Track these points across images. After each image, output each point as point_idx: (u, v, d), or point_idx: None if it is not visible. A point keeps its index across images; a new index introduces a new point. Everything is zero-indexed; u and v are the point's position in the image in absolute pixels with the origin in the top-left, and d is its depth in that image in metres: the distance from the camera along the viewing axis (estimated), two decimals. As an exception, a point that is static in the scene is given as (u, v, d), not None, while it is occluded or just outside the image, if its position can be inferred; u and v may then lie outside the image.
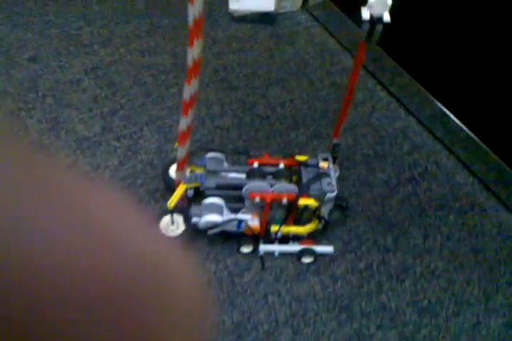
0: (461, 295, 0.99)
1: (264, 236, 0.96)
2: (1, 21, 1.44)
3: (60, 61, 1.35)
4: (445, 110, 1.29)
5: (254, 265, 0.97)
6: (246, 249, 0.97)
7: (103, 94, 1.29)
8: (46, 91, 1.26)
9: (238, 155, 1.07)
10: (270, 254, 0.98)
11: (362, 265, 1.01)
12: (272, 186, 0.90)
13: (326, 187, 0.91)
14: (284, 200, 0.89)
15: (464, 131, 1.24)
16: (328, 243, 1.04)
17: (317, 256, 0.97)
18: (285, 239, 0.97)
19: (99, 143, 1.15)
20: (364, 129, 1.33)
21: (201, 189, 0.93)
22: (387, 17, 0.75)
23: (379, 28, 0.76)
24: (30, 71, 1.31)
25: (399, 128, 1.34)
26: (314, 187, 0.91)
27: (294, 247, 0.97)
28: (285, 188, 0.90)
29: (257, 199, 0.89)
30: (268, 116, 1.32)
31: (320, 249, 0.98)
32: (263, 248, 0.96)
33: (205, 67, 1.43)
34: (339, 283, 0.97)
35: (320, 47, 1.58)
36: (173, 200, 0.91)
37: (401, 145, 1.30)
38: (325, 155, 0.97)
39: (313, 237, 0.99)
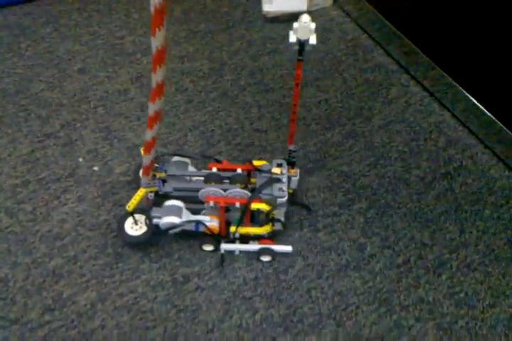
0: (497, 287, 1.03)
1: (225, 236, 1.03)
2: (51, 35, 1.55)
3: (107, 71, 1.45)
4: (478, 104, 1.31)
5: (298, 262, 1.05)
6: (208, 248, 1.04)
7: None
8: (97, 101, 1.36)
9: (209, 160, 1.12)
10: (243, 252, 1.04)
11: (400, 260, 1.07)
12: (225, 191, 0.98)
13: (276, 192, 0.97)
14: (237, 204, 0.97)
15: (498, 124, 1.26)
16: (367, 239, 1.10)
17: (275, 254, 1.03)
18: (246, 239, 1.04)
19: (149, 150, 1.24)
20: (399, 126, 1.36)
21: (160, 193, 1.02)
22: (313, 40, 0.82)
23: (308, 48, 0.83)
24: (81, 82, 1.41)
25: (433, 123, 1.37)
26: (265, 192, 0.98)
27: (253, 246, 1.03)
28: (238, 193, 0.98)
29: (212, 203, 0.97)
30: (304, 116, 1.38)
31: (278, 248, 1.03)
32: (224, 247, 1.03)
33: (241, 70, 1.49)
34: (378, 278, 1.04)
35: (353, 43, 1.61)
36: (132, 203, 1.00)
37: (436, 140, 1.33)
38: (279, 161, 1.03)
39: (274, 237, 1.05)
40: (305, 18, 0.80)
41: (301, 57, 0.85)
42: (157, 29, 0.72)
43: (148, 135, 0.90)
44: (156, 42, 0.74)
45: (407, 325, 0.97)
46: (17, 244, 1.04)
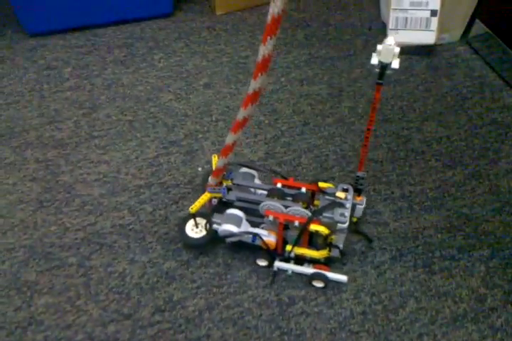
0: None
1: (280, 254, 1.01)
2: (181, 49, 1.64)
3: (230, 88, 1.50)
4: None
5: (410, 303, 0.99)
6: (261, 263, 1.03)
7: (266, 121, 1.40)
8: (218, 115, 1.41)
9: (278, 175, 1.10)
10: (301, 275, 1.02)
11: (525, 319, 0.97)
12: (286, 207, 0.95)
13: (337, 217, 0.92)
14: (296, 223, 0.93)
15: None
16: (488, 290, 1.01)
17: (328, 282, 1.00)
18: (301, 261, 1.02)
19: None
20: (527, 171, 1.26)
21: (223, 200, 1.02)
22: (395, 64, 0.78)
23: (389, 72, 0.79)
24: (205, 96, 1.47)
25: None
26: (326, 215, 0.94)
27: (307, 269, 1.01)
28: (298, 211, 0.94)
29: (271, 217, 0.95)
30: (423, 151, 1.32)
31: (333, 275, 0.99)
32: (277, 264, 1.01)
33: (359, 98, 1.48)
34: (499, 334, 0.94)
35: (479, 81, 1.54)
36: (195, 206, 1.01)
37: None
38: (345, 186, 0.98)
39: (331, 264, 1.02)
40: (390, 40, 0.76)
41: (380, 81, 0.82)
42: (269, 37, 0.72)
43: (230, 138, 0.91)
44: (265, 49, 0.74)
45: None
46: (136, 241, 1.09)
